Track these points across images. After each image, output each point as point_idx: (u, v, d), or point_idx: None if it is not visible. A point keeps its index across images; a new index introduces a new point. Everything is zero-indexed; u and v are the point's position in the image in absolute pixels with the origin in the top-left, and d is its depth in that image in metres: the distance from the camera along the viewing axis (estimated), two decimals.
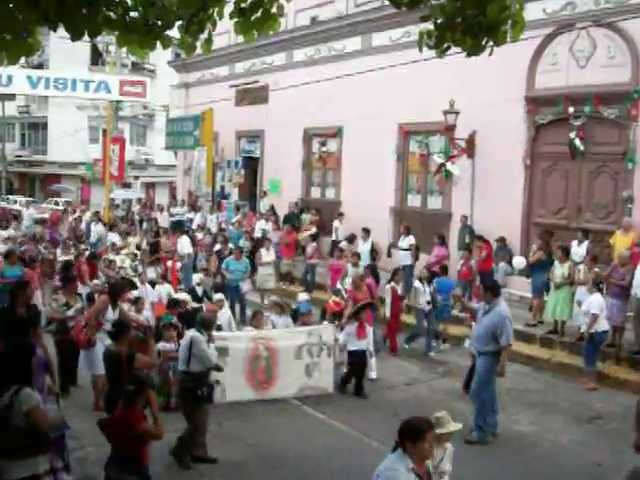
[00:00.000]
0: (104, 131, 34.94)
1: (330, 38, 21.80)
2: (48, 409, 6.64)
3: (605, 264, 13.25)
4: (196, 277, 14.56)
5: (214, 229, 22.18)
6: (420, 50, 5.47)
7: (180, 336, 9.32)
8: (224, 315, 11.52)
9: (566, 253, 13.05)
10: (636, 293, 11.73)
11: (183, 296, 12.05)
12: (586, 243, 13.80)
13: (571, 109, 15.24)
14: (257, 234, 20.25)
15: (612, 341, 11.97)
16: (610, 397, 10.81)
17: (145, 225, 25.09)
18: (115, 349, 7.19)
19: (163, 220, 24.62)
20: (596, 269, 12.42)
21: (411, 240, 16.54)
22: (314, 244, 18.35)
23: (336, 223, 19.82)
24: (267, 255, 17.00)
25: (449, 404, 10.30)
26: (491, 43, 5.29)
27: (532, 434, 9.15)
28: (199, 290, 13.75)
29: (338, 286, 14.22)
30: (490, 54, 5.44)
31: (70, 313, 9.96)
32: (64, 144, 44.20)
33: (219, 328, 10.42)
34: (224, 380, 9.30)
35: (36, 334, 7.27)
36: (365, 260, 15.77)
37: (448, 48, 5.43)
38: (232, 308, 14.05)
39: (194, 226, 22.56)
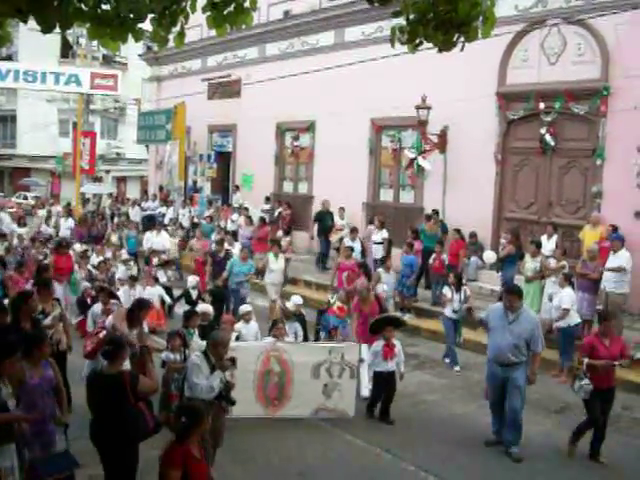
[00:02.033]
0: (74, 124, 34.49)
1: (303, 32, 21.79)
2: (56, 441, 6.14)
3: (575, 258, 13.45)
4: (191, 279, 13.56)
5: (186, 223, 22.11)
6: (392, 46, 5.49)
7: (186, 345, 8.61)
8: (252, 328, 10.21)
9: (538, 247, 13.20)
10: (605, 287, 11.91)
11: (205, 307, 10.55)
12: (555, 237, 14.00)
13: (542, 105, 15.43)
14: (230, 228, 20.25)
15: (581, 334, 12.14)
16: None
17: (116, 220, 24.88)
18: (112, 371, 6.09)
19: (135, 215, 24.50)
20: (564, 262, 12.59)
21: (384, 234, 16.61)
22: (288, 238, 18.32)
23: (336, 219, 19.39)
24: (275, 262, 14.87)
25: (422, 397, 10.43)
26: (462, 39, 5.34)
27: None
28: (194, 293, 13.05)
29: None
30: (461, 50, 5.49)
31: (47, 322, 8.71)
32: (34, 137, 43.60)
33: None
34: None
35: (43, 352, 6.25)
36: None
37: (420, 44, 5.46)
38: (234, 312, 12.76)
39: (166, 220, 22.43)
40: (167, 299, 13.52)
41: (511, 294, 8.39)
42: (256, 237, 18.54)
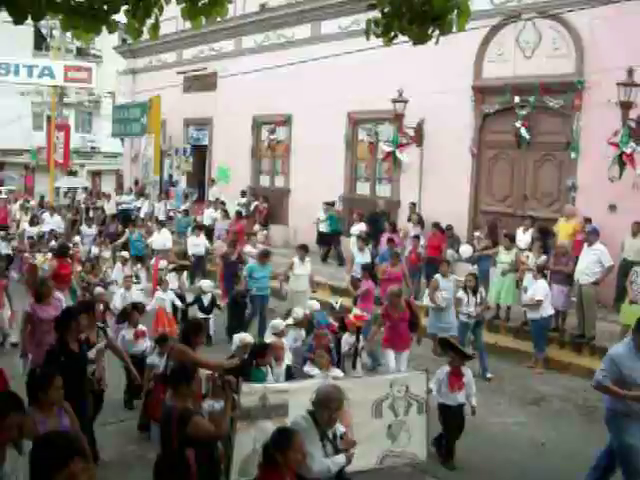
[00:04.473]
0: (48, 118, 34.13)
1: (279, 25, 21.72)
2: None
3: (547, 252, 13.56)
4: (205, 284, 12.45)
5: (162, 217, 21.97)
6: (367, 38, 5.48)
7: (236, 391, 6.55)
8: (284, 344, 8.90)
9: (512, 241, 13.28)
10: (578, 279, 12.02)
11: (245, 338, 8.04)
12: (531, 230, 14.11)
13: (517, 99, 15.51)
14: (206, 222, 20.16)
15: (556, 326, 12.28)
16: (553, 380, 11.09)
17: (92, 214, 24.66)
18: (170, 403, 5.21)
19: (110, 209, 24.28)
20: (544, 256, 12.68)
21: (362, 227, 16.63)
22: (264, 232, 18.27)
23: (320, 214, 18.93)
24: (301, 266, 13.09)
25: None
26: (437, 32, 5.34)
27: (478, 416, 9.27)
28: (205, 299, 12.17)
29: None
30: (436, 43, 5.50)
31: (91, 355, 7.32)
32: (6, 131, 42.97)
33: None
34: None
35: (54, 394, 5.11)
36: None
37: (395, 37, 5.45)
38: (246, 323, 12.24)
39: (142, 214, 22.25)
40: (179, 304, 12.19)
41: None
42: (232, 231, 18.47)
